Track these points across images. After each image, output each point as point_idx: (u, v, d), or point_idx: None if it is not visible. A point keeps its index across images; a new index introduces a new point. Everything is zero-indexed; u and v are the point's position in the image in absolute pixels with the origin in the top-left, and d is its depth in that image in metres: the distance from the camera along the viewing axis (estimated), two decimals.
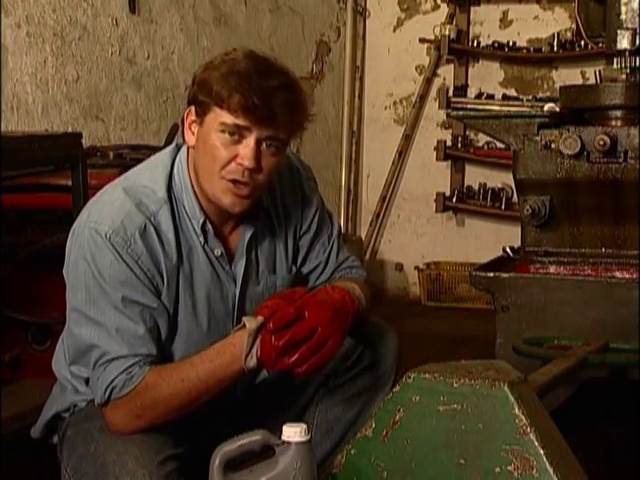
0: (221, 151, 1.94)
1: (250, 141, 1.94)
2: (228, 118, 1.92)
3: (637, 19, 3.32)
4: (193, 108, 1.99)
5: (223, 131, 1.93)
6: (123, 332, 1.93)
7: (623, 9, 3.36)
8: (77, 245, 1.98)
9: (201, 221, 2.03)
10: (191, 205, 2.03)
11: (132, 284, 1.94)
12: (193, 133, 2.00)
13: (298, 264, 2.23)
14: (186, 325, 2.04)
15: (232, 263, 2.10)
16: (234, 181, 1.95)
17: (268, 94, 1.91)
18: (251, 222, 2.10)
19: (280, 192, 2.18)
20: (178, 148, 2.09)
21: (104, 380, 1.93)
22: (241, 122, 1.92)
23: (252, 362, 1.92)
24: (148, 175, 2.05)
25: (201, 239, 2.03)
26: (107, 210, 1.97)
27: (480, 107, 5.37)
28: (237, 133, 1.93)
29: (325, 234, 2.25)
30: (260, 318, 1.93)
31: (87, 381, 2.01)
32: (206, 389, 1.94)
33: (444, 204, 5.58)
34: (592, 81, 4.57)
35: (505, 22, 5.60)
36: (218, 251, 2.06)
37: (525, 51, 5.46)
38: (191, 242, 2.03)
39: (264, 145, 1.95)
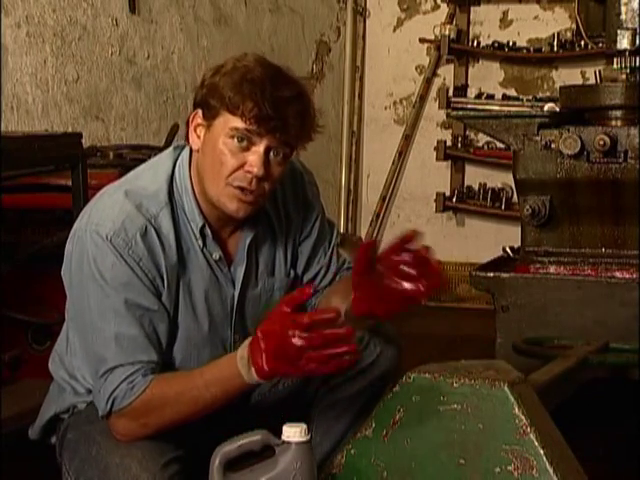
0: (229, 157, 1.93)
1: (259, 148, 1.93)
2: (240, 123, 1.90)
3: (637, 19, 3.33)
4: (200, 111, 1.97)
5: (232, 137, 1.92)
6: (122, 338, 1.92)
7: (623, 9, 3.36)
8: (79, 247, 1.97)
9: (200, 225, 2.02)
10: (191, 209, 2.02)
11: (134, 286, 1.93)
12: (199, 136, 1.98)
13: (300, 270, 2.22)
14: (185, 327, 2.03)
15: (231, 265, 2.09)
16: (241, 188, 1.94)
17: (281, 104, 1.90)
18: (251, 226, 2.09)
19: (282, 196, 2.17)
20: (179, 150, 2.09)
21: (105, 392, 1.92)
22: (253, 128, 1.90)
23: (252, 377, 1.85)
24: (149, 177, 2.04)
25: (200, 243, 2.03)
26: (108, 212, 1.96)
27: (480, 107, 5.36)
28: (247, 139, 1.92)
29: (326, 240, 2.25)
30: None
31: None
32: (212, 400, 1.90)
33: (444, 204, 5.57)
34: (592, 81, 4.57)
35: (505, 22, 5.59)
36: (216, 255, 2.05)
37: (525, 51, 5.45)
38: (190, 244, 2.03)
39: (272, 154, 1.95)
